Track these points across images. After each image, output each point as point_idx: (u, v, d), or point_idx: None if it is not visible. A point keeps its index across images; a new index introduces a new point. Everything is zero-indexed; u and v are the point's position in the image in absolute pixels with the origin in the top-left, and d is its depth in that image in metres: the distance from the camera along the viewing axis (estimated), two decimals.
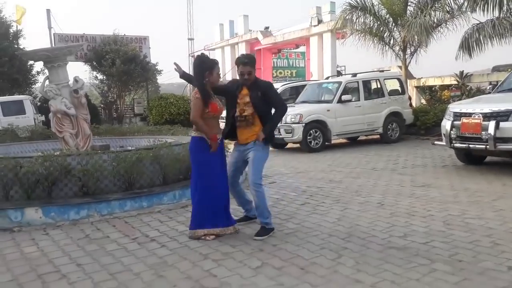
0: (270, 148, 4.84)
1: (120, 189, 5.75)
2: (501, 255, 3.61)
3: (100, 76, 21.64)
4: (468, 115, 7.16)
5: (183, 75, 4.64)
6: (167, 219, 5.09)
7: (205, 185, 4.26)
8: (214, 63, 4.41)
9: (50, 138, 9.34)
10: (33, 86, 21.49)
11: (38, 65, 20.46)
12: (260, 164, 4.42)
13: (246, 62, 4.38)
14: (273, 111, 4.52)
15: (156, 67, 23.13)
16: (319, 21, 20.77)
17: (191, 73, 4.65)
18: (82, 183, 5.52)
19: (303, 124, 10.82)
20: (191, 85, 4.40)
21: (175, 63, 4.75)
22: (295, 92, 14.05)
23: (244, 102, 4.39)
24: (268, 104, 4.45)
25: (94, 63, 20.89)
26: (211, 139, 4.23)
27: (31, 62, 20.91)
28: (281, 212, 5.25)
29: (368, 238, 4.20)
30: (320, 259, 3.69)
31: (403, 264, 3.51)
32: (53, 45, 19.16)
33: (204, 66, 4.31)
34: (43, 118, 16.74)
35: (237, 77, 4.63)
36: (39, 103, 18.95)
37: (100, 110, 21.66)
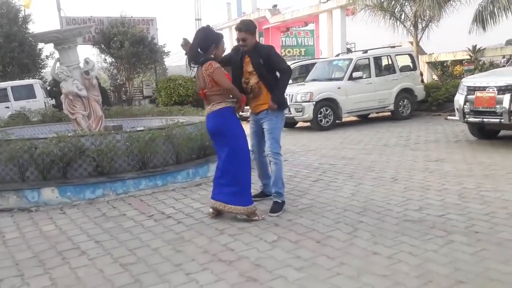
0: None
1: (134, 169, 5.80)
2: None
3: (108, 59, 21.63)
4: (482, 88, 7.06)
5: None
6: (182, 197, 5.13)
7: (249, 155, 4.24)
8: (220, 37, 4.27)
9: (62, 121, 9.40)
10: (42, 70, 21.55)
11: (47, 49, 20.51)
12: (275, 133, 4.42)
13: (240, 28, 4.31)
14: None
15: (164, 49, 23.04)
16: None
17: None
18: (96, 163, 5.56)
19: (314, 103, 10.75)
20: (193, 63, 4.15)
21: (184, 38, 4.66)
22: (305, 70, 13.94)
23: (248, 70, 4.36)
24: (272, 69, 4.40)
25: (103, 46, 20.84)
26: (243, 101, 4.17)
27: (40, 46, 20.99)
28: (295, 188, 5.26)
29: (383, 212, 4.20)
30: (336, 233, 3.70)
31: (420, 236, 3.51)
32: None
33: (210, 39, 4.12)
34: (53, 101, 16.84)
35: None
36: (49, 87, 19.05)
37: (109, 93, 21.70)
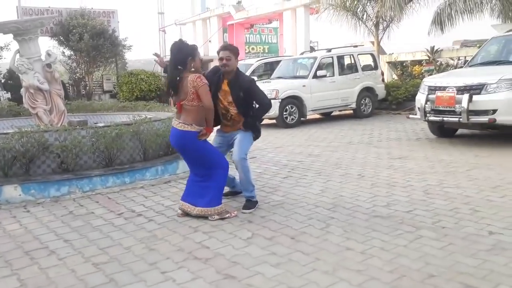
0: None
1: (100, 165, 5.66)
2: (481, 221, 3.77)
3: (67, 52, 20.89)
4: (443, 88, 7.33)
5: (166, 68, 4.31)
6: (152, 194, 5.06)
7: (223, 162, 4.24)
8: (194, 48, 4.16)
9: (20, 115, 9.05)
10: None
11: (2, 40, 19.57)
12: (246, 144, 4.41)
13: (225, 47, 4.33)
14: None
15: (125, 43, 22.51)
16: None
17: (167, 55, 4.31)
18: (61, 159, 5.39)
19: (279, 100, 10.84)
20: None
21: (155, 54, 4.53)
22: (269, 68, 14.03)
23: (227, 101, 4.32)
24: (250, 101, 4.39)
25: (61, 38, 20.09)
26: (209, 131, 4.11)
27: None
28: (265, 185, 5.30)
29: (353, 208, 4.30)
30: (309, 229, 3.76)
31: (390, 231, 3.62)
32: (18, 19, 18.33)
33: (185, 52, 4.01)
34: (8, 95, 16.16)
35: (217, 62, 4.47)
36: (3, 80, 18.26)
37: (68, 87, 21.01)
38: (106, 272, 3.08)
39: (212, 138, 4.48)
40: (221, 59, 4.28)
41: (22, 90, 7.03)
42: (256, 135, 4.51)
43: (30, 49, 6.91)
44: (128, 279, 2.97)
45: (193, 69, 4.05)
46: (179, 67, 3.99)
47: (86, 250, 3.49)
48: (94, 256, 3.37)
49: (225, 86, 4.32)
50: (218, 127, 4.58)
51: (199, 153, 4.11)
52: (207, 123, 4.06)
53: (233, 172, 4.64)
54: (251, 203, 4.38)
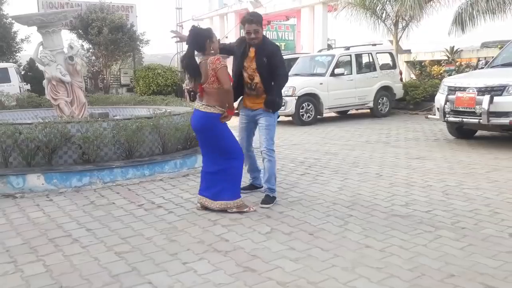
0: None
1: (120, 158, 5.75)
2: (502, 223, 3.75)
3: (86, 45, 21.11)
4: (463, 89, 7.27)
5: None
6: (171, 187, 5.12)
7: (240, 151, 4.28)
8: (210, 31, 4.24)
9: (41, 106, 9.21)
10: (17, 54, 20.91)
11: (23, 33, 19.86)
12: (272, 130, 4.46)
13: (251, 20, 4.23)
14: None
15: (143, 37, 22.68)
16: None
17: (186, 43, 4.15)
18: (82, 150, 5.49)
19: (296, 97, 10.86)
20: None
21: (172, 31, 4.59)
22: (287, 65, 13.92)
23: (252, 68, 4.33)
24: (272, 69, 4.34)
25: (80, 31, 20.33)
26: (231, 113, 4.14)
27: (15, 29, 20.36)
28: (283, 181, 5.32)
29: (371, 206, 4.31)
30: (327, 226, 3.78)
31: (409, 230, 3.62)
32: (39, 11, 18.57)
33: (203, 36, 4.05)
34: (28, 86, 16.40)
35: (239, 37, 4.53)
36: (23, 72, 18.52)
37: (86, 80, 21.25)
38: (128, 261, 3.15)
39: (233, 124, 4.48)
40: (248, 32, 4.26)
41: (45, 82, 7.15)
42: (278, 109, 4.52)
43: (53, 42, 7.01)
44: (151, 269, 3.02)
45: (212, 51, 4.08)
46: (199, 51, 4.03)
47: (108, 239, 3.56)
48: (116, 245, 3.44)
49: (251, 53, 4.33)
50: (241, 107, 4.59)
51: (218, 137, 4.10)
52: (228, 105, 4.11)
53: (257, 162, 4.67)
54: (270, 198, 4.41)
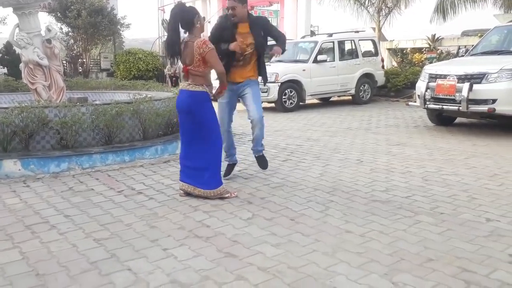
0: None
1: (99, 143, 5.66)
2: (479, 208, 3.81)
3: (65, 28, 20.62)
4: (444, 76, 7.33)
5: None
6: (151, 173, 5.07)
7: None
8: (195, 9, 4.07)
9: (18, 90, 8.99)
10: None
11: None
12: (260, 98, 4.59)
13: None
14: None
15: (124, 21, 22.24)
16: None
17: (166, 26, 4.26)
18: (60, 135, 5.38)
19: (279, 84, 10.82)
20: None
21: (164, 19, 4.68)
22: (269, 51, 13.89)
23: (247, 43, 4.34)
24: (266, 40, 4.55)
25: (58, 14, 19.83)
26: (222, 87, 4.16)
27: None
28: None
29: (352, 192, 4.33)
30: (308, 211, 3.79)
31: (389, 216, 3.66)
32: None
33: (192, 12, 3.93)
34: (5, 70, 16.00)
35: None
36: (0, 55, 18.04)
37: (65, 64, 20.80)
38: (107, 248, 3.10)
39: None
40: (227, 8, 4.39)
41: (21, 65, 6.96)
42: (265, 81, 4.85)
43: (30, 24, 6.81)
44: (130, 255, 2.99)
45: (199, 27, 3.97)
46: (184, 29, 3.94)
47: (87, 226, 3.51)
48: (95, 232, 3.39)
49: (243, 29, 4.35)
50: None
51: (203, 117, 3.99)
52: (222, 83, 4.13)
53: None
54: (264, 160, 4.75)
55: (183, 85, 4.08)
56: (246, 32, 4.36)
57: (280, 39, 4.63)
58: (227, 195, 4.12)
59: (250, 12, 4.57)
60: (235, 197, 4.15)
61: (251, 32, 4.37)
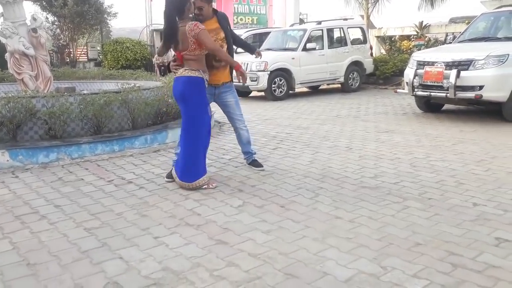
0: None
1: (88, 133, 5.63)
2: (466, 193, 3.87)
3: (50, 18, 20.30)
4: (431, 63, 7.37)
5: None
6: (141, 163, 5.06)
7: (209, 129, 4.16)
8: None
9: (4, 81, 8.88)
10: None
11: None
12: (239, 104, 4.58)
13: None
14: None
15: (110, 10, 21.95)
16: None
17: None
18: (48, 126, 5.34)
19: (268, 72, 10.79)
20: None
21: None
22: (258, 39, 13.86)
23: (220, 38, 4.26)
24: (232, 33, 4.56)
25: (44, 3, 19.50)
26: (237, 68, 4.08)
27: None
28: (255, 156, 5.31)
29: (341, 179, 4.37)
30: (298, 198, 3.82)
31: (377, 202, 3.70)
32: None
33: (183, 1, 3.89)
34: None
35: None
36: None
37: (52, 54, 20.52)
38: (98, 237, 3.11)
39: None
40: (193, 8, 4.17)
41: (7, 55, 6.87)
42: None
43: (14, 13, 6.72)
44: (121, 244, 3.00)
45: (190, 15, 3.99)
46: (178, 17, 3.89)
47: (77, 216, 3.51)
48: (86, 221, 3.39)
49: (212, 25, 4.23)
50: None
51: (195, 101, 3.95)
52: (230, 62, 4.14)
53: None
54: (258, 164, 4.76)
55: (180, 71, 4.00)
56: (216, 28, 4.25)
57: (242, 41, 4.97)
58: (204, 187, 4.06)
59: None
60: (212, 188, 4.08)
61: (221, 27, 4.27)
